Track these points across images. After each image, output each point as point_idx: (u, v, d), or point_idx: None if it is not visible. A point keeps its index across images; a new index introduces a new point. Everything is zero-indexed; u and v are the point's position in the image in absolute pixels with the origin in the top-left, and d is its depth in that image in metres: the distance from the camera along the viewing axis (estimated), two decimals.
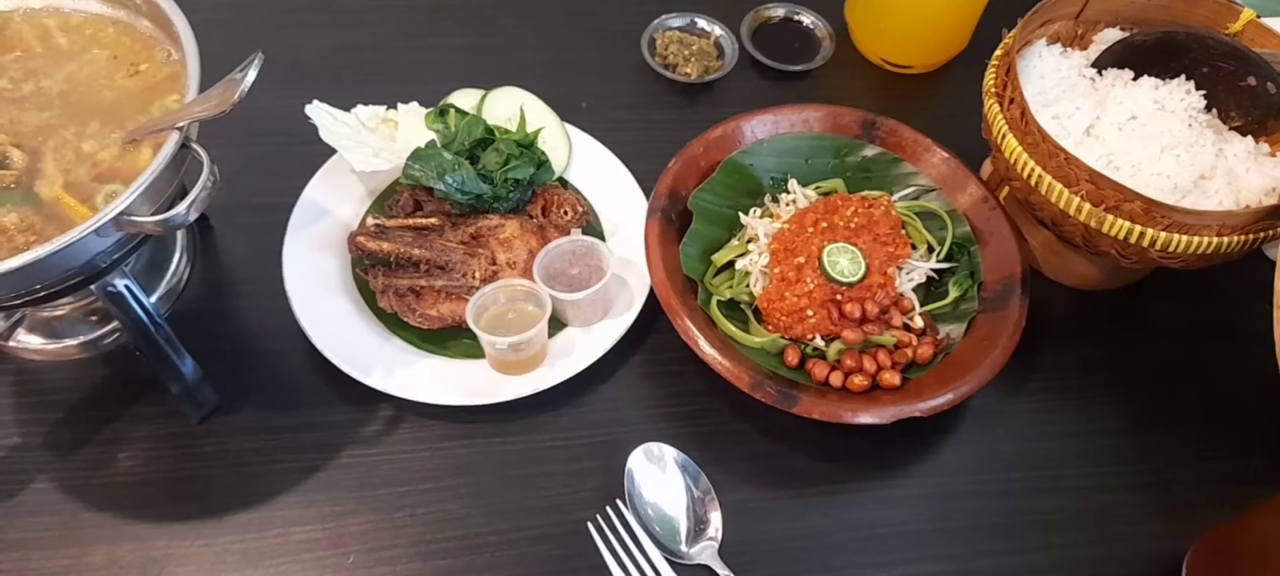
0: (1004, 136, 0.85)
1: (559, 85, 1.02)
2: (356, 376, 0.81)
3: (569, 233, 0.89)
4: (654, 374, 0.88)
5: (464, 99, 0.95)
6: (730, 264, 0.90)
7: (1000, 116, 0.86)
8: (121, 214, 0.59)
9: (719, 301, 0.87)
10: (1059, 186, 0.82)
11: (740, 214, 0.92)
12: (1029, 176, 0.83)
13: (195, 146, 0.62)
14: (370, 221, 0.88)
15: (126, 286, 0.70)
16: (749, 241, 0.90)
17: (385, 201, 0.91)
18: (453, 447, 0.82)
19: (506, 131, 0.92)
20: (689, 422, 0.85)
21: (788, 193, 0.93)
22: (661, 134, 1.03)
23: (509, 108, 0.96)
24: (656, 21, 1.11)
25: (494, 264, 0.85)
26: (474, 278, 0.84)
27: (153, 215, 0.61)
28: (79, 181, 0.65)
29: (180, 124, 0.62)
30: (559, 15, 1.16)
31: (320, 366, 0.83)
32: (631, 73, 1.10)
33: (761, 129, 0.95)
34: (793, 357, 0.84)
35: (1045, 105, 0.89)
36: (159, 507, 0.77)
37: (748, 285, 0.88)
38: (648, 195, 0.93)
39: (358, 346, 0.83)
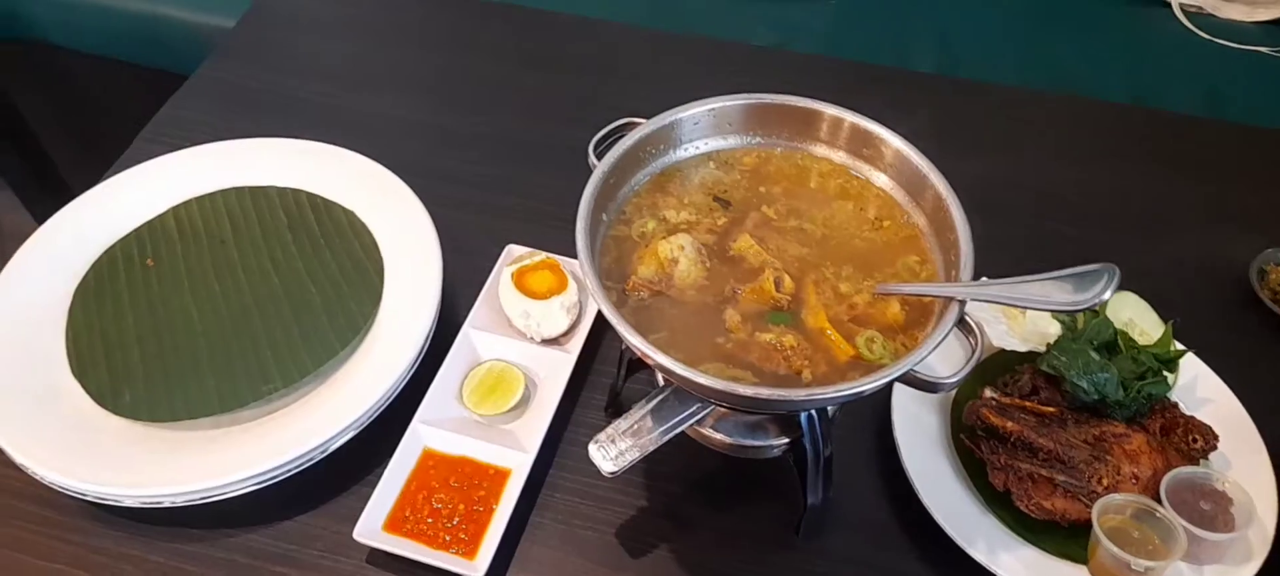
0: None
1: (1150, 294, 1.00)
2: (961, 544, 0.82)
3: (1196, 462, 0.86)
4: None
5: None
6: None
7: None
8: (911, 370, 0.64)
9: None
10: None
11: None
12: None
13: (970, 318, 0.67)
14: (989, 393, 0.90)
15: (820, 413, 0.77)
16: None
17: (994, 375, 0.93)
18: None
19: (1131, 339, 0.91)
20: None
21: None
22: (1262, 373, 0.97)
23: (1126, 312, 0.95)
24: (1269, 252, 1.06)
25: (1118, 474, 0.84)
26: (1098, 484, 0.83)
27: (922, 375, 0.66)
28: (837, 318, 0.72)
29: (962, 298, 0.67)
30: (1158, 226, 1.15)
31: (908, 515, 0.86)
32: (1228, 297, 1.06)
33: None
34: None
35: None
36: None
37: None
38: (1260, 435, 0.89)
39: (957, 512, 0.85)
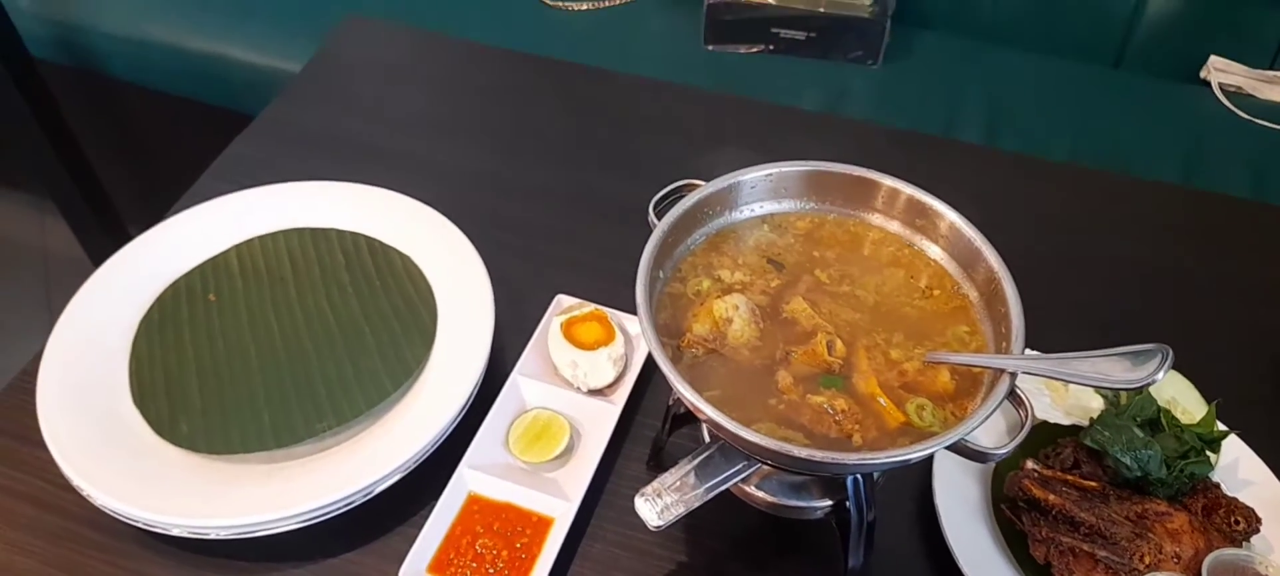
0: None
1: (1191, 374, 1.00)
2: None
3: (1238, 544, 0.86)
4: None
5: None
6: None
7: None
8: (962, 438, 0.65)
9: None
10: None
11: None
12: None
13: (1021, 391, 0.68)
14: (1031, 465, 0.90)
15: (866, 477, 0.78)
16: None
17: (1036, 447, 0.94)
18: None
19: (1173, 417, 0.92)
20: None
21: None
22: None
23: (1169, 391, 0.95)
24: None
25: (1160, 553, 0.84)
26: (1140, 561, 0.83)
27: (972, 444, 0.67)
28: (888, 385, 0.73)
29: (1014, 370, 0.68)
30: (1201, 306, 1.15)
31: None
32: (1270, 380, 1.06)
33: None
34: None
35: None
36: None
37: None
38: None
39: None
